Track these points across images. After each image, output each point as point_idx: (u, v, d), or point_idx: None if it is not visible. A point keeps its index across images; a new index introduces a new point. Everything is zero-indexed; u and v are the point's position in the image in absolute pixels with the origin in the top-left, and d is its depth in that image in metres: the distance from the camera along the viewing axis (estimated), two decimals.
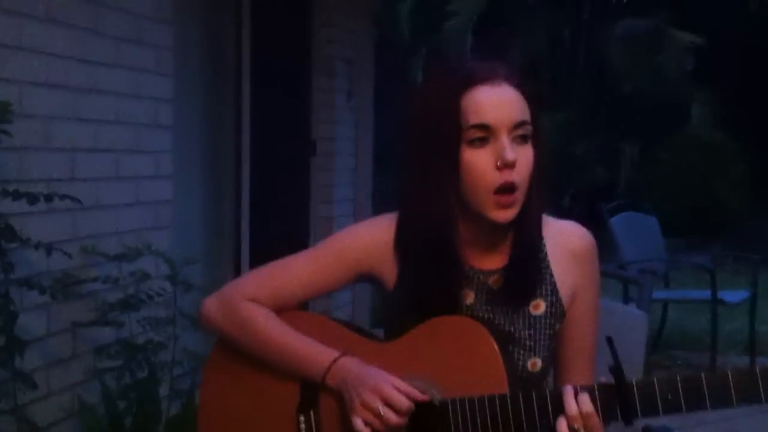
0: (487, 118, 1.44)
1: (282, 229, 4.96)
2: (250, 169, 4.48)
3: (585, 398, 1.35)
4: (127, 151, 3.26)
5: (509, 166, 1.43)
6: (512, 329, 1.53)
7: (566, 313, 1.56)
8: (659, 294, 5.40)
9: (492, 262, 1.55)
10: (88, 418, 2.70)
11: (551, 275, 1.55)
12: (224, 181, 4.44)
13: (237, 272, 4.45)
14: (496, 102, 1.44)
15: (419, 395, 1.42)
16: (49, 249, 2.42)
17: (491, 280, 1.54)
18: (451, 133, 1.44)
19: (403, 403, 1.40)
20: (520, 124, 1.45)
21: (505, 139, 1.44)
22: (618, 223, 5.23)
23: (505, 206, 1.45)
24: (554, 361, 1.61)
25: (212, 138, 4.37)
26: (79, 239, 2.95)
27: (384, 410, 1.40)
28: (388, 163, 4.82)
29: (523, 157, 1.46)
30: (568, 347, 1.60)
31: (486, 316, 1.53)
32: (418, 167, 1.50)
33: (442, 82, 1.50)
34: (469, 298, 1.54)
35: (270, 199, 4.78)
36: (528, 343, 1.53)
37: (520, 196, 1.47)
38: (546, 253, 1.56)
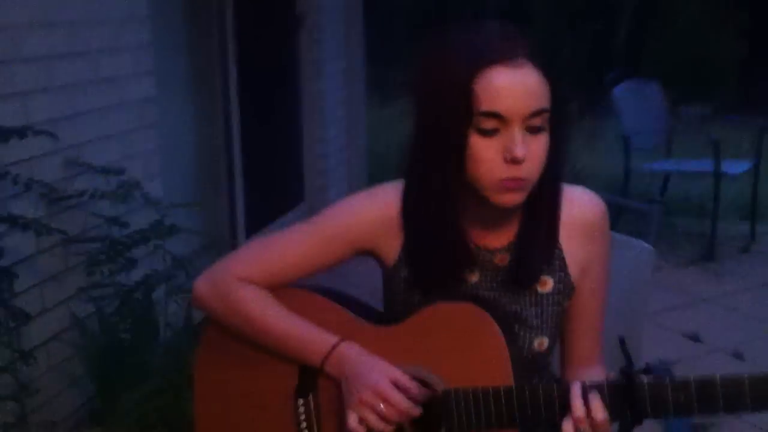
0: (501, 107, 1.29)
1: (271, 101, 4.83)
2: (237, 47, 4.30)
3: (594, 399, 1.29)
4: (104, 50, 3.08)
5: (518, 162, 1.30)
6: (518, 308, 1.45)
7: (575, 287, 1.48)
8: (661, 165, 5.31)
9: (498, 240, 1.45)
10: (83, 335, 2.68)
11: (560, 250, 1.46)
12: (210, 65, 4.25)
13: (229, 167, 4.35)
14: (513, 88, 1.28)
15: (419, 393, 1.35)
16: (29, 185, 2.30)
17: (497, 258, 1.45)
18: (460, 118, 1.29)
19: (403, 404, 1.34)
20: (536, 114, 1.30)
21: (517, 132, 1.30)
22: (621, 92, 5.07)
23: (512, 190, 1.34)
24: (560, 333, 1.55)
25: (194, 27, 4.15)
26: (62, 150, 2.84)
27: (383, 410, 1.34)
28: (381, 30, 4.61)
29: (535, 149, 1.32)
30: (575, 321, 1.53)
31: (491, 295, 1.45)
32: (424, 144, 1.37)
33: (455, 56, 1.32)
34: (474, 276, 1.45)
35: (258, 71, 4.61)
36: (535, 321, 1.46)
37: (528, 184, 1.34)
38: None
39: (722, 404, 1.26)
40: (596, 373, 1.54)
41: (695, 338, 3.75)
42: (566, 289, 1.47)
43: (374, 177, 5.96)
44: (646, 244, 2.00)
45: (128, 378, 2.47)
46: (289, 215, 5.16)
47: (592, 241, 1.48)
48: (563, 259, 1.46)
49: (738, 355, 3.57)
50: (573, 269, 1.47)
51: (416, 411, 1.35)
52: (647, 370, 1.40)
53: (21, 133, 2.25)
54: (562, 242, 1.46)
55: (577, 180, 5.07)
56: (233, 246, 4.48)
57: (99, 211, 2.88)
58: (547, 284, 1.46)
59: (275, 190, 5.08)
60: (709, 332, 3.80)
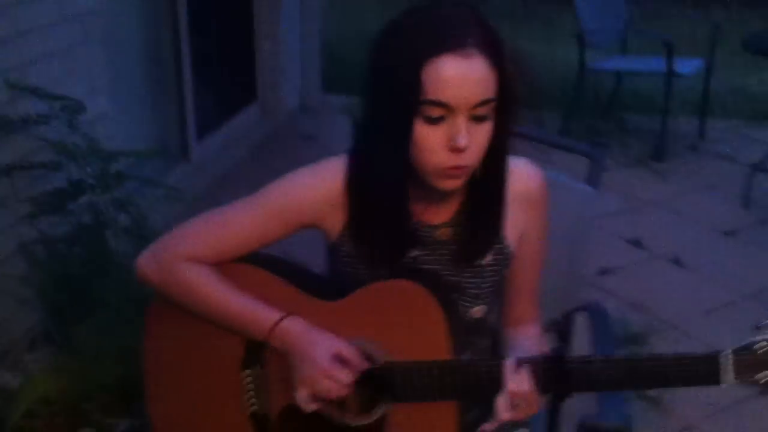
0: (447, 97, 1.29)
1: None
2: None
3: (525, 376, 1.35)
4: None
5: (461, 151, 1.32)
6: (458, 280, 1.50)
7: (513, 256, 1.53)
8: (614, 63, 5.30)
9: (439, 216, 1.48)
10: (31, 262, 2.68)
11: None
12: None
13: (177, 68, 4.26)
14: (460, 78, 1.28)
15: (362, 365, 1.41)
16: None
17: (438, 233, 1.49)
18: (407, 106, 1.30)
19: (345, 377, 1.39)
20: (482, 104, 1.31)
21: (461, 121, 1.30)
22: None
23: (452, 177, 1.36)
24: (502, 294, 1.61)
25: None
26: (3, 72, 2.76)
27: (326, 385, 1.39)
28: None
29: (479, 137, 1.34)
30: (514, 285, 1.59)
31: (432, 268, 1.49)
32: (372, 126, 1.38)
33: (405, 43, 1.31)
34: (415, 250, 1.48)
35: None
36: (474, 291, 1.51)
37: (469, 170, 1.37)
38: None
39: (647, 381, 1.33)
40: (533, 332, 1.61)
41: (638, 244, 3.86)
42: (505, 259, 1.52)
43: (329, 72, 5.88)
44: (589, 188, 2.05)
45: (80, 309, 2.50)
46: (241, 115, 5.11)
47: (530, 211, 1.52)
48: (503, 231, 1.50)
49: (677, 262, 3.70)
50: (511, 238, 1.51)
51: (353, 380, 1.40)
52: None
53: None
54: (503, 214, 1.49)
55: (531, 77, 5.07)
56: (184, 150, 4.46)
57: (43, 134, 2.83)
58: (487, 256, 1.50)
59: (226, 90, 5.01)
60: (651, 237, 3.92)
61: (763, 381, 1.29)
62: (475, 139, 1.32)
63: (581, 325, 1.96)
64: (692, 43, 5.80)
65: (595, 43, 5.07)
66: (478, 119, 1.32)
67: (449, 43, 1.27)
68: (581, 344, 1.87)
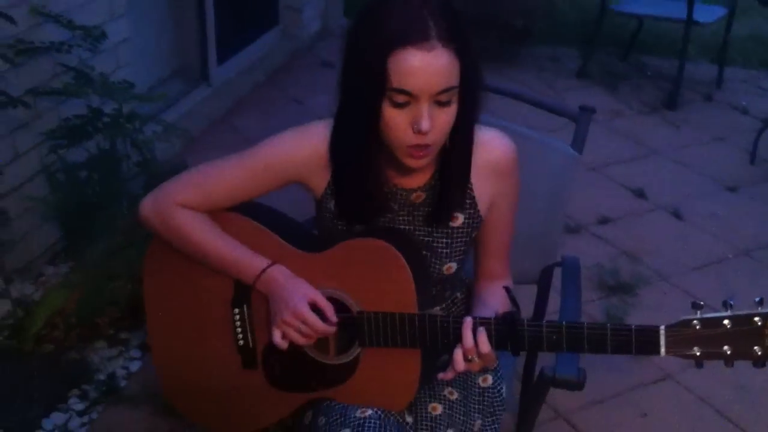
0: (410, 86, 1.40)
1: None
2: None
3: (481, 333, 1.49)
4: None
5: (423, 133, 1.43)
6: (431, 240, 1.63)
7: (484, 219, 1.65)
8: (632, 7, 5.28)
9: (414, 182, 1.60)
10: (51, 184, 2.84)
11: (471, 189, 1.62)
12: None
13: (200, 9, 4.32)
14: (422, 69, 1.39)
15: (336, 314, 1.55)
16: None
17: (413, 196, 1.61)
18: (374, 91, 1.41)
19: (318, 325, 1.54)
20: (444, 91, 1.42)
21: (424, 107, 1.41)
22: None
23: (417, 156, 1.48)
24: (474, 255, 1.74)
25: None
26: (26, 1, 2.87)
27: (301, 329, 1.54)
28: None
29: (442, 120, 1.45)
30: (485, 245, 1.72)
31: (406, 227, 1.62)
32: (346, 102, 1.50)
33: (373, 34, 1.41)
34: (391, 211, 1.61)
35: None
36: (445, 251, 1.64)
37: (434, 149, 1.48)
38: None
39: (587, 346, 1.46)
40: (501, 289, 1.74)
41: (640, 194, 3.94)
42: (475, 222, 1.64)
43: None
44: (571, 150, 2.14)
45: (94, 232, 2.66)
46: (262, 39, 5.18)
47: (500, 180, 1.64)
48: (474, 197, 1.62)
49: (677, 214, 3.79)
50: (482, 205, 1.64)
51: (330, 330, 1.55)
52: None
53: None
54: (473, 181, 1.61)
55: (549, 13, 5.07)
56: (204, 73, 4.56)
57: (66, 61, 2.95)
58: (458, 219, 1.63)
59: (248, 14, 5.06)
60: (655, 187, 3.99)
61: (695, 355, 1.42)
62: (438, 121, 1.44)
63: (558, 280, 2.09)
64: None
65: None
66: (441, 104, 1.43)
67: (413, 37, 1.38)
68: (556, 296, 2.01)
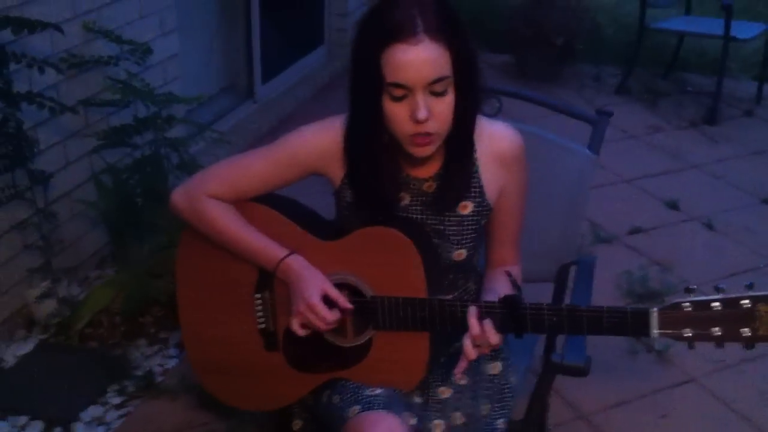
0: (403, 78, 1.51)
1: None
2: None
3: (486, 320, 1.57)
4: None
5: (421, 122, 1.53)
6: (442, 228, 1.73)
7: (493, 208, 1.75)
8: (672, 23, 5.33)
9: (426, 171, 1.70)
10: (99, 189, 2.99)
11: (479, 179, 1.72)
12: None
13: (246, 11, 4.49)
14: (413, 62, 1.49)
15: (346, 304, 1.66)
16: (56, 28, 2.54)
17: (425, 185, 1.71)
18: (373, 87, 1.53)
19: (328, 316, 1.64)
20: (436, 81, 1.52)
21: (419, 97, 1.52)
22: None
23: (421, 145, 1.58)
24: (485, 242, 1.83)
25: None
26: (80, 16, 3.05)
27: (312, 319, 1.65)
28: None
29: (440, 108, 1.55)
30: (496, 233, 1.82)
31: (418, 216, 1.72)
32: (353, 99, 1.62)
33: (367, 33, 1.54)
34: (405, 200, 1.72)
35: None
36: (455, 238, 1.73)
37: (437, 137, 1.59)
38: (476, 159, 1.71)
39: (585, 327, 1.54)
40: (514, 273, 1.83)
41: (673, 206, 3.98)
42: (484, 210, 1.74)
43: None
44: (588, 152, 2.21)
45: (138, 233, 2.80)
46: (307, 57, 5.34)
47: (508, 170, 1.73)
48: (482, 186, 1.72)
49: (710, 225, 3.82)
50: (490, 194, 1.73)
51: (337, 317, 1.65)
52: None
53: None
54: (481, 172, 1.71)
55: (591, 32, 5.16)
56: (250, 91, 4.73)
57: (115, 74, 3.12)
58: (468, 207, 1.73)
59: (293, 33, 5.23)
60: (689, 200, 4.03)
61: (686, 335, 1.49)
62: (436, 110, 1.54)
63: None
64: (764, 3, 5.75)
65: (658, 2, 5.11)
66: (436, 94, 1.54)
67: (400, 33, 1.49)
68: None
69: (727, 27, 4.79)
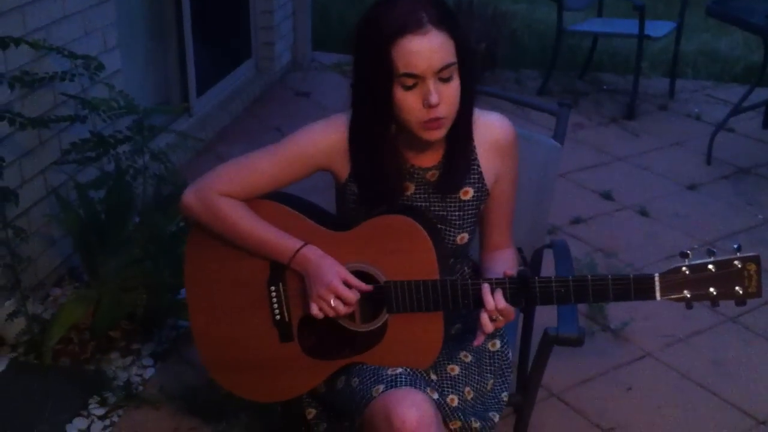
0: (415, 68, 1.61)
1: None
2: None
3: (499, 295, 1.68)
4: None
5: (434, 107, 1.64)
6: (445, 213, 1.83)
7: (490, 193, 1.86)
8: (588, 25, 5.59)
9: (429, 160, 1.80)
10: (60, 204, 2.98)
11: (478, 165, 1.83)
12: None
13: (179, 29, 4.51)
14: (422, 52, 1.60)
15: (364, 287, 1.74)
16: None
17: (428, 174, 1.81)
18: (384, 79, 1.63)
19: (351, 296, 1.72)
20: (444, 68, 1.63)
21: (430, 84, 1.62)
22: None
23: (433, 128, 1.68)
24: (480, 226, 1.94)
25: None
26: (30, 34, 3.03)
27: (335, 302, 1.72)
28: None
29: (448, 93, 1.65)
30: (490, 218, 1.93)
31: (423, 204, 1.82)
32: (362, 92, 1.70)
33: (376, 28, 1.63)
34: (410, 189, 1.82)
35: None
36: (458, 222, 1.84)
37: (447, 121, 1.69)
38: (474, 147, 1.82)
39: (591, 297, 1.67)
40: (508, 255, 1.95)
41: (608, 196, 4.19)
42: (483, 195, 1.85)
43: (318, 30, 6.14)
44: (554, 142, 2.36)
45: (107, 247, 2.80)
46: (237, 71, 5.38)
47: (503, 157, 1.85)
48: (480, 173, 1.83)
49: (643, 212, 4.04)
50: (488, 179, 1.85)
51: (358, 297, 1.73)
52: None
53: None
54: (480, 159, 1.82)
55: (514, 37, 5.38)
56: (185, 105, 4.74)
57: (65, 89, 3.11)
58: (469, 193, 1.84)
59: (223, 47, 5.27)
60: (621, 190, 4.25)
61: (686, 297, 1.63)
62: (445, 95, 1.65)
63: (548, 261, 2.30)
64: (667, 4, 6.08)
65: (572, 6, 5.35)
66: (444, 80, 1.65)
67: (409, 26, 1.60)
68: (548, 275, 2.21)
69: (642, 26, 5.05)
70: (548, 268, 2.21)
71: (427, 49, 1.60)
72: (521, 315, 2.26)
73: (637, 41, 5.17)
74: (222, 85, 5.16)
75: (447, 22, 1.63)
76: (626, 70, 5.77)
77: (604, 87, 5.72)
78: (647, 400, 2.79)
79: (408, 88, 1.63)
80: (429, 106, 1.64)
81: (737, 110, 4.67)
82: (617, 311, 3.15)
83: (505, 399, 1.91)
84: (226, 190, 1.79)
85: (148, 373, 2.81)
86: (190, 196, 1.82)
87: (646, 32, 5.11)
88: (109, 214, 2.83)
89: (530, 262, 2.34)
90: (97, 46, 3.48)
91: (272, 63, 5.60)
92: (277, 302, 1.83)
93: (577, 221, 3.94)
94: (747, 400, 2.78)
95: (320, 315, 1.75)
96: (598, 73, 5.92)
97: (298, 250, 1.76)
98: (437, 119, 1.66)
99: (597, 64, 5.94)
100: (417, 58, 1.60)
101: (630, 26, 5.23)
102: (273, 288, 1.83)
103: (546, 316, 2.02)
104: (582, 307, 3.23)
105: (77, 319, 2.80)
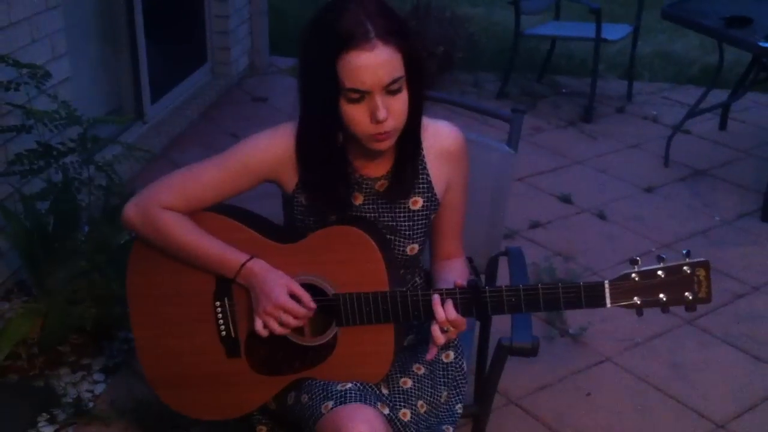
0: (360, 83, 1.57)
1: None
2: None
3: (449, 306, 1.65)
4: None
5: (381, 122, 1.60)
6: (395, 223, 1.79)
7: (440, 202, 1.83)
8: (546, 29, 5.60)
9: (378, 170, 1.77)
10: (6, 216, 2.90)
11: (427, 174, 1.80)
12: None
13: (131, 33, 4.44)
14: (369, 67, 1.55)
15: (312, 302, 1.69)
16: None
17: (377, 185, 1.78)
18: (330, 93, 1.58)
19: (299, 311, 1.68)
20: (392, 82, 1.59)
21: (377, 99, 1.58)
22: None
23: (381, 140, 1.64)
24: (431, 235, 1.91)
25: None
26: None
27: (285, 317, 1.68)
28: None
29: (396, 106, 1.62)
30: (441, 227, 1.90)
31: (372, 214, 1.78)
32: (308, 102, 1.66)
33: (322, 41, 1.58)
34: (359, 200, 1.78)
35: None
36: (408, 232, 1.81)
37: (395, 132, 1.65)
38: (423, 156, 1.79)
39: (542, 305, 1.64)
40: (459, 265, 1.92)
41: (566, 199, 4.19)
42: (433, 205, 1.82)
43: (275, 34, 6.08)
44: (508, 149, 2.34)
45: (54, 259, 2.73)
46: (192, 76, 5.30)
47: (452, 165, 1.82)
48: (430, 182, 1.80)
49: (601, 216, 4.04)
50: (438, 189, 1.81)
51: (308, 314, 1.69)
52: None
53: None
54: (429, 167, 1.79)
55: (472, 40, 5.36)
56: (139, 112, 4.66)
57: (11, 99, 3.03)
58: (418, 203, 1.80)
59: (178, 52, 5.19)
60: (579, 193, 4.25)
61: (636, 303, 1.61)
62: (393, 107, 1.61)
63: (504, 268, 2.28)
64: (623, 7, 6.11)
65: (530, 10, 5.36)
66: (392, 93, 1.61)
67: (354, 40, 1.55)
68: (504, 282, 2.19)
69: (598, 30, 5.07)
70: (504, 276, 2.19)
71: (373, 64, 1.56)
72: (477, 324, 2.23)
73: (594, 44, 5.19)
74: (177, 91, 5.08)
75: (395, 35, 1.58)
76: (584, 72, 5.79)
77: (563, 90, 5.73)
78: (606, 405, 2.78)
79: (354, 102, 1.60)
80: (377, 121, 1.60)
81: (694, 112, 4.71)
82: (576, 316, 3.14)
83: (460, 411, 1.88)
84: (168, 203, 1.74)
85: (99, 388, 2.74)
86: (130, 210, 1.77)
87: (603, 35, 5.13)
88: (55, 225, 2.75)
89: (486, 270, 2.32)
90: (45, 54, 3.40)
91: (228, 68, 5.53)
92: (222, 318, 1.78)
93: (535, 225, 3.93)
94: (705, 403, 2.78)
95: (265, 333, 1.70)
96: (556, 76, 5.93)
97: (243, 264, 1.72)
98: (385, 132, 1.63)
99: (555, 67, 5.96)
100: (363, 73, 1.56)
101: (587, 29, 5.25)
102: (218, 303, 1.78)
103: (504, 325, 2.00)
104: (540, 313, 3.22)
105: (24, 333, 2.73)
